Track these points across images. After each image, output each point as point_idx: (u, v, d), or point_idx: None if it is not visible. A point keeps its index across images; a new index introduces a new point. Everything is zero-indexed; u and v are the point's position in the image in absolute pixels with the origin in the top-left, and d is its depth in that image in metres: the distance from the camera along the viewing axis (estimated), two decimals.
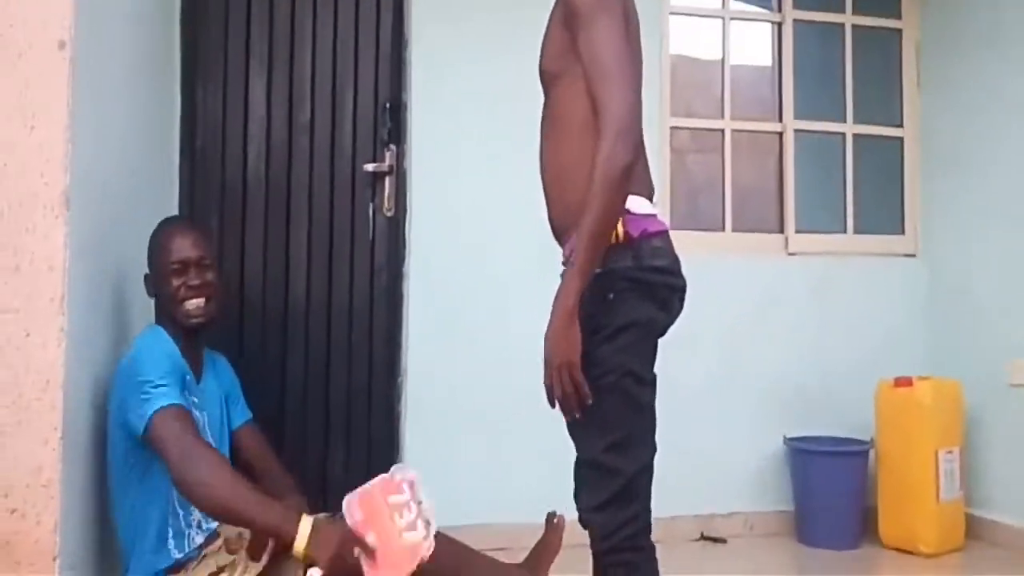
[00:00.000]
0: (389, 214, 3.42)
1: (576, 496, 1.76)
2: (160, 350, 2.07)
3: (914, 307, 3.76)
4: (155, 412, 1.92)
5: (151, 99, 2.86)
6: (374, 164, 3.41)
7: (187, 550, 2.06)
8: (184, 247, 2.19)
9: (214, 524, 2.07)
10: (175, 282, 2.16)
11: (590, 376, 1.66)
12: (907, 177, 3.88)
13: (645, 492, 1.75)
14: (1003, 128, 3.44)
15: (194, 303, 2.17)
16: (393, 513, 1.72)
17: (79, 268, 1.85)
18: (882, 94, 3.92)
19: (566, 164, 1.77)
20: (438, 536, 1.89)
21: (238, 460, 2.40)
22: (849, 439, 3.47)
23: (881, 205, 3.90)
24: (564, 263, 1.81)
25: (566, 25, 1.75)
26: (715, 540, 3.47)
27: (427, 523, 1.74)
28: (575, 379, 1.64)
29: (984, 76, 3.54)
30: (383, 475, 1.83)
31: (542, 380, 1.67)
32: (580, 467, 1.75)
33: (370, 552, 1.69)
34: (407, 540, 1.70)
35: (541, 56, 1.85)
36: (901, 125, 3.88)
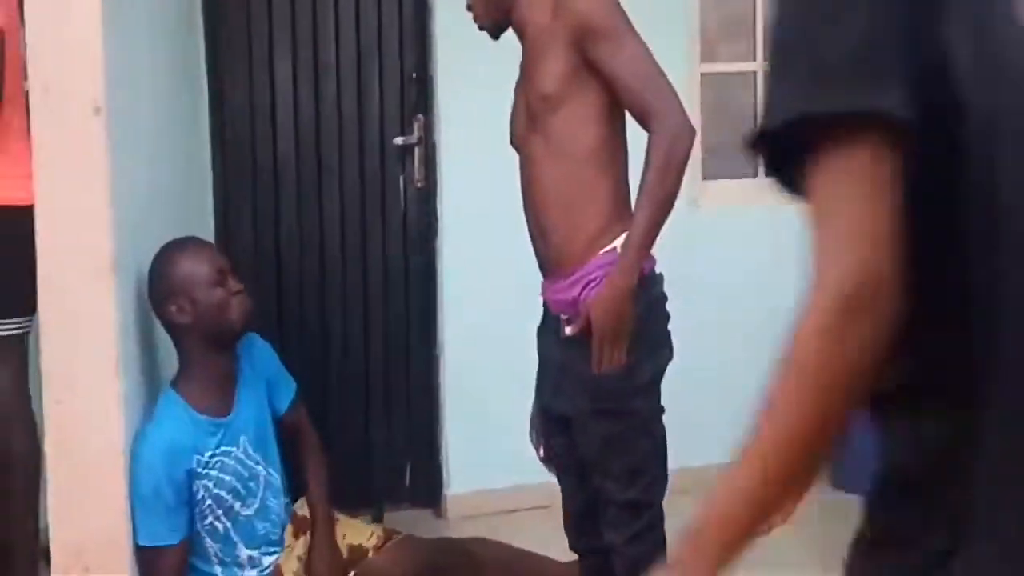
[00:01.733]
0: (420, 186, 3.42)
1: (591, 527, 1.92)
2: (159, 450, 2.02)
3: None
4: (141, 548, 1.96)
5: (183, 112, 2.92)
6: (403, 137, 3.40)
7: None
8: (214, 257, 2.19)
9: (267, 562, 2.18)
10: (220, 292, 2.12)
11: (622, 421, 1.81)
12: None
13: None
14: None
15: (242, 306, 2.16)
16: None
17: (130, 329, 1.90)
18: None
19: (572, 199, 1.80)
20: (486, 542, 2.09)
21: (286, 444, 2.44)
22: None
23: None
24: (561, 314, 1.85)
25: (575, 46, 1.74)
26: None
27: None
28: (620, 352, 1.75)
29: None
30: None
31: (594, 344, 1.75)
32: (609, 507, 1.87)
33: None
34: None
35: (535, 80, 1.83)
36: None
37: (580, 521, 2.01)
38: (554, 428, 1.98)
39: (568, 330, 1.79)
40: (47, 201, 1.82)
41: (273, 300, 3.34)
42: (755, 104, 3.65)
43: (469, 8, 1.93)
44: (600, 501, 1.88)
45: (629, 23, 1.77)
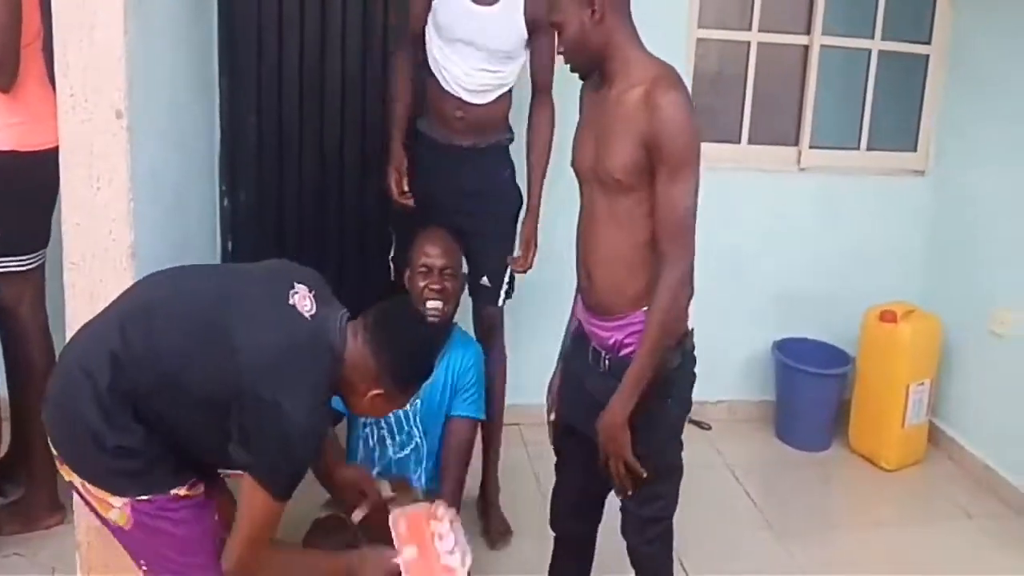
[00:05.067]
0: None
1: (579, 515, 2.24)
2: None
3: (917, 227, 3.91)
4: None
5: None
6: None
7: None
8: (437, 253, 2.56)
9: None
10: (421, 282, 2.54)
11: (647, 462, 1.98)
12: (928, 94, 3.91)
13: None
14: None
15: (433, 302, 2.51)
16: (434, 536, 1.89)
17: None
18: (914, 8, 3.87)
19: (629, 264, 1.93)
20: None
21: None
22: (835, 349, 3.75)
23: (897, 122, 3.95)
24: (603, 349, 2.00)
25: (648, 149, 1.83)
26: (701, 425, 3.82)
27: (464, 554, 1.89)
28: (630, 466, 1.96)
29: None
30: (427, 503, 2.03)
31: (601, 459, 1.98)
32: (627, 515, 2.14)
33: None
34: (445, 562, 1.87)
35: (604, 158, 1.91)
36: (929, 42, 3.87)
37: (570, 510, 2.24)
38: (566, 431, 2.19)
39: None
40: (73, 196, 2.03)
41: (273, 209, 3.55)
42: (745, 73, 3.78)
43: (560, 53, 1.98)
44: (621, 509, 2.11)
45: (696, 157, 1.85)
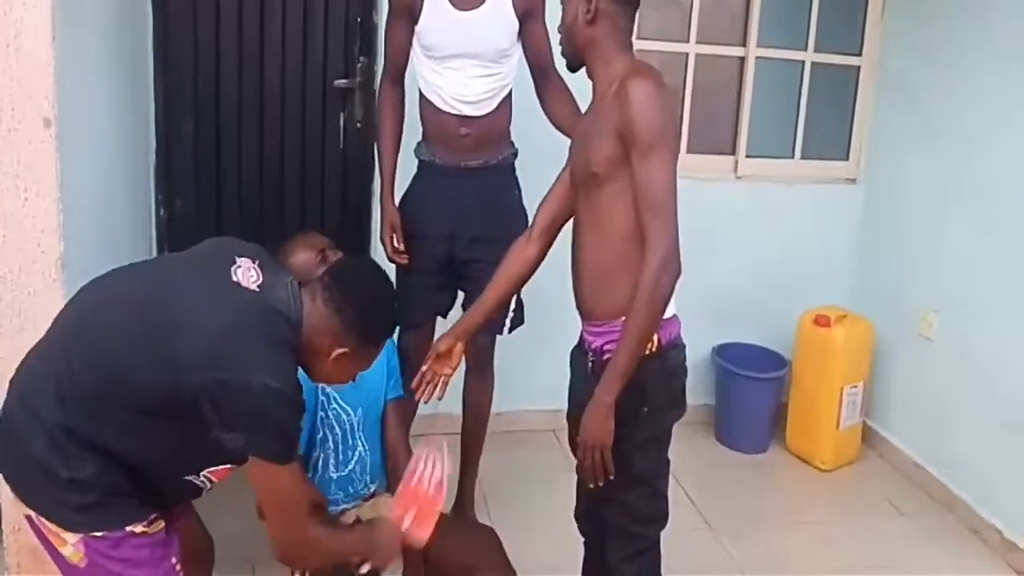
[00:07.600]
0: (359, 127, 3.55)
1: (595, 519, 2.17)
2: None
3: (849, 233, 4.02)
4: None
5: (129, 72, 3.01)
6: (345, 80, 3.50)
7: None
8: (315, 241, 2.45)
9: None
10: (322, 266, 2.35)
11: (620, 473, 1.94)
12: (859, 104, 4.03)
13: None
14: (959, 69, 3.49)
15: None
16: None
17: None
18: (845, 21, 3.99)
19: (607, 267, 1.94)
20: None
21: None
22: (772, 352, 3.83)
23: (830, 131, 4.07)
24: (589, 351, 2.02)
25: (621, 138, 1.84)
26: None
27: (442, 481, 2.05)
28: (605, 459, 1.91)
29: (948, 14, 3.56)
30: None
31: (576, 459, 1.97)
32: (609, 529, 2.11)
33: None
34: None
35: (585, 155, 1.93)
36: (860, 54, 3.99)
37: (583, 510, 2.24)
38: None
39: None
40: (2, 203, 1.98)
41: (213, 222, 3.50)
42: (684, 84, 3.85)
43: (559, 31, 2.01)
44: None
45: (669, 137, 1.85)
